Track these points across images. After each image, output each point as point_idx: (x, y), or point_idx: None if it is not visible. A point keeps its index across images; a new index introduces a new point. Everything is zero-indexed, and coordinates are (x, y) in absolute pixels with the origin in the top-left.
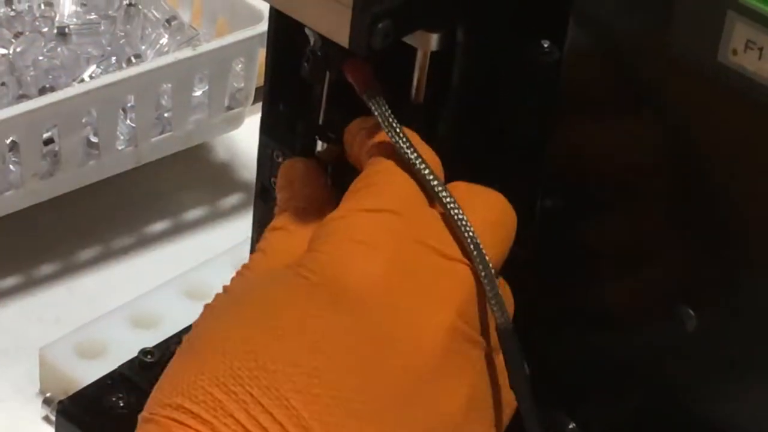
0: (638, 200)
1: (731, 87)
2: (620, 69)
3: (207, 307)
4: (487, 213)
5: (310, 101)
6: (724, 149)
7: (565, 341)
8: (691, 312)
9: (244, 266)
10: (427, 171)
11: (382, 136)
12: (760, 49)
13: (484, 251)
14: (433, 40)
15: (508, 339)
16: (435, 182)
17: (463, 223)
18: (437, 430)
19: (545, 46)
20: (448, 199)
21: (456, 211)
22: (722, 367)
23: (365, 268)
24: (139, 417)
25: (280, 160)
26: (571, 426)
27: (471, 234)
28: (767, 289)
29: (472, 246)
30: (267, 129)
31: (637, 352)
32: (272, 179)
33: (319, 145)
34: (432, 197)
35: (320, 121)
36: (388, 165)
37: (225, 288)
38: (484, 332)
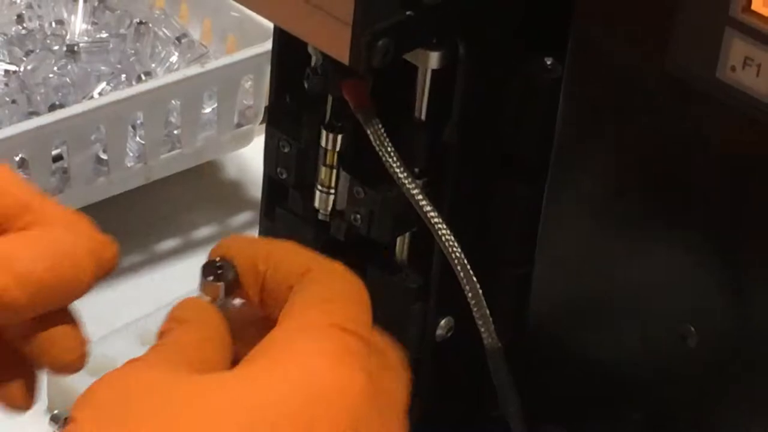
0: (639, 216)
1: (730, 103)
2: (620, 86)
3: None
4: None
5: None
6: (724, 166)
7: (565, 357)
8: (693, 329)
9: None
10: (417, 191)
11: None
12: (758, 66)
13: (470, 270)
14: (434, 59)
15: (496, 359)
16: (424, 202)
17: (451, 243)
18: None
19: (548, 63)
20: (435, 220)
21: (444, 231)
22: (723, 384)
23: (335, 379)
24: None
25: (286, 150)
26: None
27: (458, 255)
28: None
29: (459, 267)
30: (273, 120)
31: (638, 368)
32: (278, 169)
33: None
34: (421, 218)
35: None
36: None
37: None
38: None
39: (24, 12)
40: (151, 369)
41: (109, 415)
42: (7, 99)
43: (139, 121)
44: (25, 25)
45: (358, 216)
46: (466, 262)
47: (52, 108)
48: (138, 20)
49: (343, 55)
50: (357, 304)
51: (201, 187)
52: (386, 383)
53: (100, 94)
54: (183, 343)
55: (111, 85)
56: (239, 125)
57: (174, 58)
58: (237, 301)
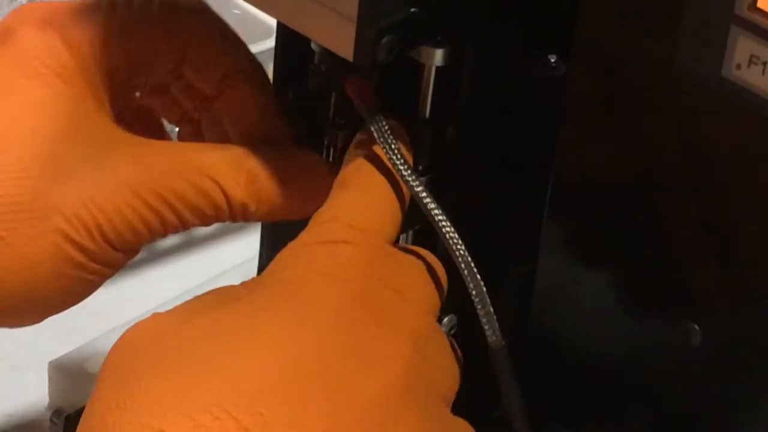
0: (643, 215)
1: (735, 101)
2: (624, 84)
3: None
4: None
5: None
6: (730, 164)
7: (567, 355)
8: (696, 327)
9: None
10: (420, 188)
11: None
12: (764, 64)
13: (474, 267)
14: (438, 56)
15: (500, 356)
16: (428, 200)
17: (455, 240)
18: None
19: (552, 60)
20: (439, 217)
21: (447, 229)
22: (727, 383)
23: (329, 298)
24: None
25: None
26: None
27: (462, 252)
28: None
29: (463, 264)
30: None
31: (641, 366)
32: None
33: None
34: (425, 215)
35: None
36: (364, 184)
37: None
38: (437, 372)
39: None
40: (161, 317)
41: (115, 370)
42: None
43: None
44: None
45: None
46: (469, 259)
47: None
48: None
49: (347, 52)
50: (374, 213)
51: None
52: (398, 285)
53: None
54: None
55: None
56: None
57: None
58: None
